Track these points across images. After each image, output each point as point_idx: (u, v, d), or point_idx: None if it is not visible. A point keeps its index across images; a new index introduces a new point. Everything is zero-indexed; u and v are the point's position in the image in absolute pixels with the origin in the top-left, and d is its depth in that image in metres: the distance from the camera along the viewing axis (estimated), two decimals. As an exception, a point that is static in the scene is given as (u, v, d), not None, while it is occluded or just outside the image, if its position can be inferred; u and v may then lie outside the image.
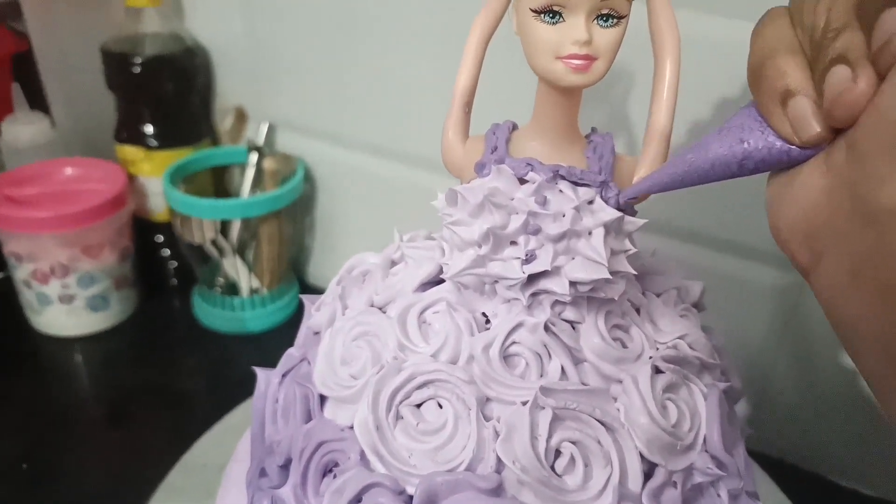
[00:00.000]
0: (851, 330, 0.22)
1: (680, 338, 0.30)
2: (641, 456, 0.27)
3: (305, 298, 0.36)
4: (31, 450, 0.52)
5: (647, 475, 0.27)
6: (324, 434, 0.29)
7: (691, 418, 0.29)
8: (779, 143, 0.22)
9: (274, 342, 0.64)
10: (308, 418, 0.30)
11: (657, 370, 0.29)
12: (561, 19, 0.26)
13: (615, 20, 0.26)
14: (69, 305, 0.61)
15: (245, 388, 0.52)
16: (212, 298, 0.65)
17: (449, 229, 0.29)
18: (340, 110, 0.62)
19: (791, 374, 0.53)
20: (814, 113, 0.21)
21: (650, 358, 0.29)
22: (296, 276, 0.70)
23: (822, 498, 0.52)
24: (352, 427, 0.28)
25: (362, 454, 0.27)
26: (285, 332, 0.65)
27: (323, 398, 0.30)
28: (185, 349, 0.64)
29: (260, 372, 0.34)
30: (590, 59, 0.26)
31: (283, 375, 0.33)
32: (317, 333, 0.34)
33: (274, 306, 0.65)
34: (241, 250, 0.64)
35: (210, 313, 0.65)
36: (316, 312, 0.34)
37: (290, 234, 0.65)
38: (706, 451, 0.29)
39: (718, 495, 0.29)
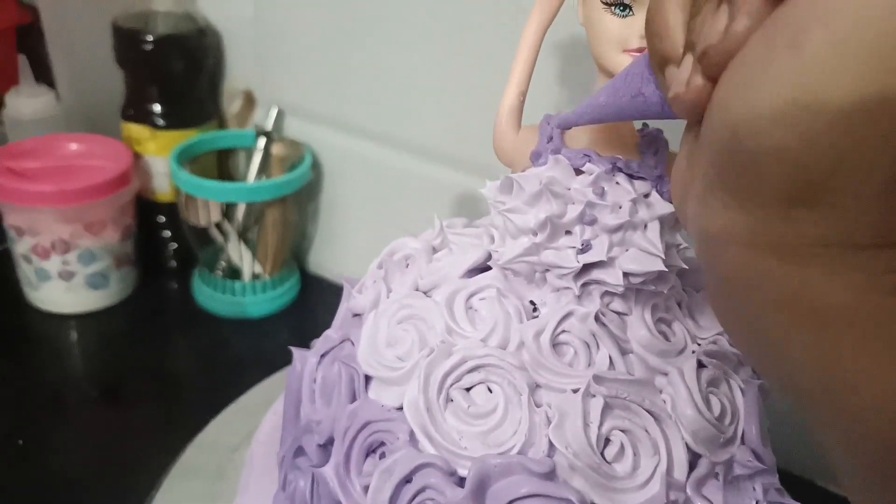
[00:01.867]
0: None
1: (719, 334, 0.31)
2: (687, 447, 0.28)
3: (345, 280, 0.36)
4: (24, 426, 0.51)
5: (692, 465, 0.28)
6: (370, 414, 0.29)
7: (731, 412, 0.29)
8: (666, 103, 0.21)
9: (272, 327, 0.64)
10: (353, 398, 0.30)
11: (700, 364, 0.30)
12: (631, 13, 0.26)
13: (684, 17, 0.26)
14: (68, 282, 0.60)
15: (242, 371, 0.52)
16: (212, 282, 0.64)
17: (503, 216, 0.29)
18: (349, 98, 0.62)
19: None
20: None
21: (693, 352, 0.30)
22: (296, 264, 0.70)
23: (812, 503, 0.53)
24: (399, 408, 0.28)
25: (411, 435, 0.27)
26: (284, 319, 0.65)
27: (367, 379, 0.30)
28: (183, 331, 0.64)
29: (296, 352, 0.34)
30: (657, 54, 0.26)
31: (322, 356, 0.33)
32: (356, 315, 0.34)
33: (274, 292, 0.65)
34: (244, 235, 0.64)
35: (210, 296, 0.64)
36: (358, 295, 0.34)
37: (295, 220, 0.65)
38: (744, 444, 0.29)
39: (754, 489, 0.29)
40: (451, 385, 0.28)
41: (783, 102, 0.14)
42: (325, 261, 0.71)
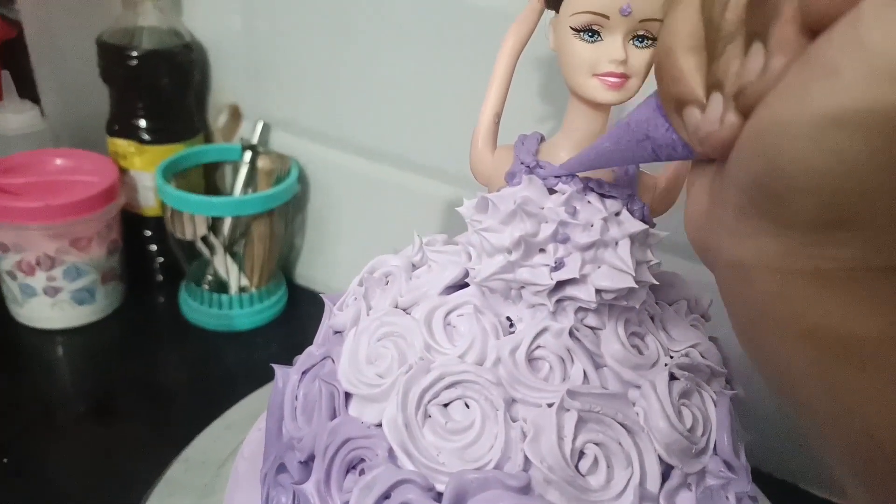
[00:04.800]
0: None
1: (692, 346, 0.32)
2: (659, 458, 0.28)
3: (326, 298, 0.36)
4: (11, 443, 0.51)
5: (664, 477, 0.28)
6: (350, 431, 0.29)
7: (704, 423, 0.30)
8: (682, 143, 0.21)
9: (260, 340, 0.65)
10: (333, 415, 0.30)
11: (672, 377, 0.30)
12: (599, 38, 0.27)
13: (650, 41, 0.27)
14: (54, 298, 0.60)
15: (230, 384, 0.53)
16: (199, 295, 0.64)
17: (479, 235, 0.30)
18: (335, 112, 0.62)
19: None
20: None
21: (665, 365, 0.30)
22: (283, 276, 0.70)
23: (794, 506, 0.54)
24: (379, 425, 0.29)
25: (390, 451, 0.28)
26: (271, 331, 0.66)
27: (348, 396, 0.31)
28: (171, 345, 0.64)
29: (278, 369, 0.34)
30: (625, 77, 0.27)
31: (303, 373, 0.33)
32: (337, 333, 0.34)
33: (262, 305, 0.65)
34: (231, 248, 0.64)
35: (197, 310, 0.64)
36: (339, 312, 0.34)
37: (282, 233, 0.65)
38: (717, 455, 0.30)
39: (727, 497, 0.30)
40: (429, 401, 0.29)
41: (822, 125, 0.15)
42: (312, 273, 0.71)
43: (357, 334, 0.32)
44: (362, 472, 0.29)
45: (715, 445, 0.30)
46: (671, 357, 0.31)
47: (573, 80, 0.28)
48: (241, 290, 0.65)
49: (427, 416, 0.29)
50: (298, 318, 0.67)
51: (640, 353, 0.31)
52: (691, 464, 0.29)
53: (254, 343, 0.64)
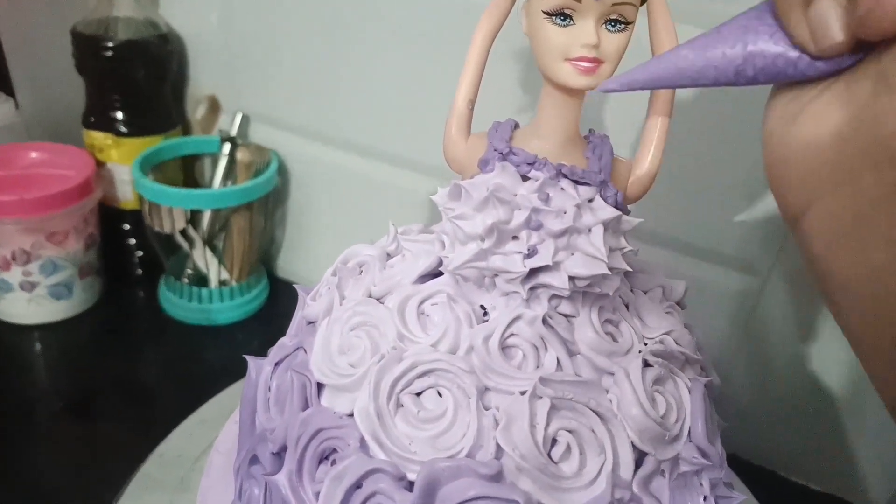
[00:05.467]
0: (841, 286, 0.20)
1: (666, 333, 0.32)
2: (633, 445, 0.28)
3: (300, 289, 0.36)
4: (-13, 440, 0.50)
5: (638, 464, 0.28)
6: (322, 421, 0.29)
7: (677, 410, 0.30)
8: (789, 51, 0.20)
9: (241, 334, 0.64)
10: (305, 406, 0.30)
11: (646, 364, 0.30)
12: (571, 22, 0.27)
13: (622, 25, 0.27)
14: (30, 293, 0.60)
15: (211, 379, 0.52)
16: (179, 289, 0.64)
17: (451, 223, 0.29)
18: (314, 104, 0.62)
19: (748, 375, 0.55)
20: (840, 18, 0.19)
21: (640, 352, 0.30)
22: (264, 269, 0.70)
23: (773, 493, 0.54)
24: (351, 415, 0.29)
25: (362, 441, 0.28)
26: (252, 325, 0.65)
27: (320, 386, 0.30)
28: (150, 340, 0.63)
29: (251, 360, 0.34)
30: (597, 62, 0.27)
31: (276, 364, 0.33)
32: (311, 323, 0.34)
33: (242, 299, 0.65)
34: (210, 241, 0.64)
35: (177, 304, 0.64)
36: (312, 302, 0.34)
37: (262, 226, 0.65)
38: (691, 441, 0.30)
39: (701, 484, 0.30)
40: (402, 390, 0.28)
41: None
42: (293, 266, 0.71)
43: (330, 324, 0.32)
44: (334, 463, 0.29)
45: (689, 432, 0.30)
46: (645, 344, 0.31)
47: (545, 64, 0.28)
48: (222, 283, 0.64)
49: (399, 405, 0.28)
50: (280, 311, 0.67)
51: (614, 340, 0.30)
52: (665, 450, 0.29)
53: (234, 337, 0.63)
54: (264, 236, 0.66)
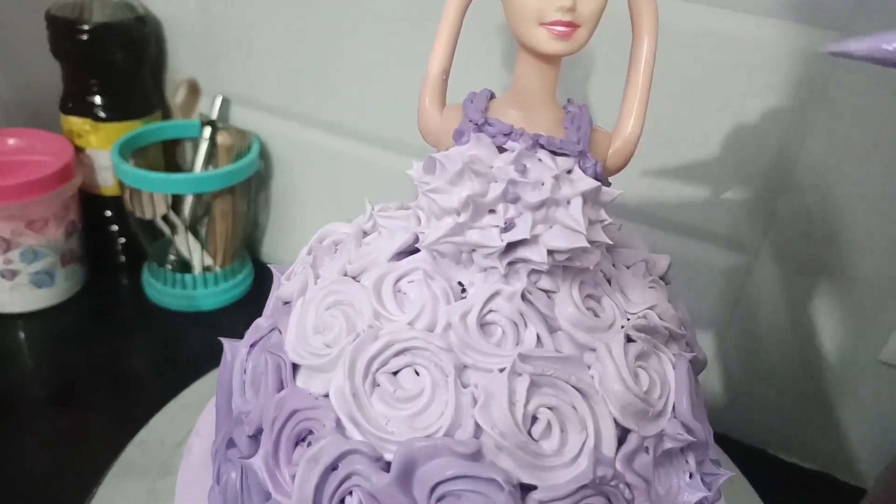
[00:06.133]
0: None
1: (650, 308, 0.31)
2: (615, 422, 0.28)
3: (275, 268, 0.35)
4: (-30, 432, 0.50)
5: (621, 441, 0.28)
6: (297, 402, 0.28)
7: (661, 386, 0.29)
8: None
9: (226, 320, 0.63)
10: (280, 387, 0.29)
11: (629, 339, 0.29)
12: (545, -15, 0.26)
13: (598, -11, 0.26)
14: (12, 281, 0.59)
15: (196, 366, 0.51)
16: (163, 276, 0.63)
17: (427, 197, 0.29)
18: (294, 86, 0.61)
19: (738, 353, 0.54)
20: None
21: (622, 327, 0.30)
22: (249, 255, 0.69)
23: (764, 471, 0.54)
24: (326, 395, 0.28)
25: (338, 422, 0.27)
26: (238, 311, 0.64)
27: (295, 367, 0.30)
28: (134, 327, 0.63)
29: (226, 342, 0.33)
30: (573, 26, 0.26)
31: (252, 346, 0.32)
32: (286, 303, 0.33)
33: (227, 284, 0.64)
34: (193, 227, 0.63)
35: (161, 291, 0.63)
36: (286, 282, 0.33)
37: (245, 210, 0.64)
38: (675, 418, 0.29)
39: (686, 461, 0.29)
40: (378, 370, 0.28)
41: None
42: (278, 250, 0.70)
43: (304, 304, 0.31)
44: (310, 445, 0.28)
45: (674, 408, 0.29)
46: (628, 319, 0.30)
47: (519, 30, 0.27)
48: (206, 269, 0.64)
49: (375, 384, 0.28)
50: (265, 296, 0.65)
51: (596, 315, 0.30)
52: (648, 427, 0.28)
53: (219, 323, 0.63)
54: (247, 221, 0.65)
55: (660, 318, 0.31)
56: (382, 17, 0.54)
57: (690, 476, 0.30)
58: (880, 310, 0.48)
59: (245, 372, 0.32)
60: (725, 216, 0.50)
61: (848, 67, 0.42)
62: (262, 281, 0.67)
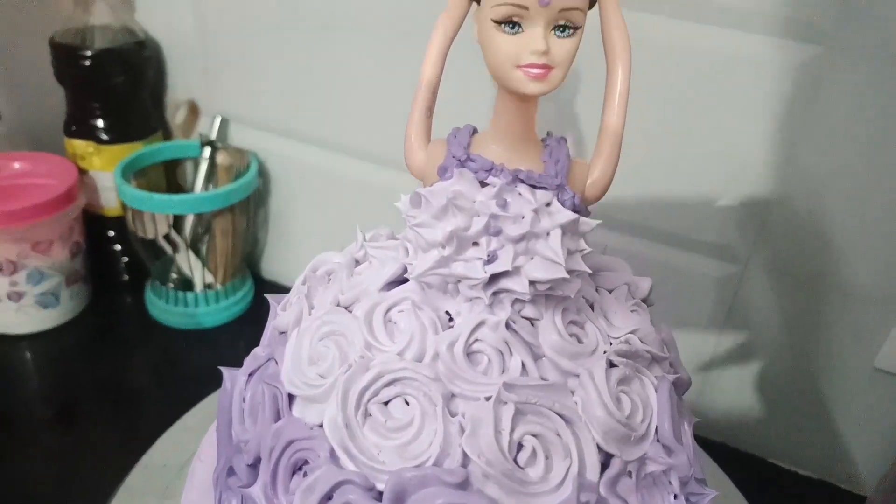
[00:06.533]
0: None
1: (632, 332, 0.32)
2: (598, 447, 0.28)
3: (271, 298, 0.36)
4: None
5: (604, 465, 0.29)
6: (293, 433, 0.29)
7: (643, 410, 0.30)
8: None
9: (228, 337, 0.64)
10: (277, 417, 0.30)
11: (611, 364, 0.30)
12: (520, 30, 0.27)
13: (571, 31, 0.27)
14: (18, 303, 0.60)
15: (199, 384, 0.52)
16: (165, 294, 0.64)
17: (413, 231, 0.30)
18: (293, 105, 0.62)
19: (732, 362, 0.55)
20: None
21: (604, 353, 0.31)
22: (249, 271, 0.70)
23: (762, 479, 0.55)
24: (321, 425, 0.29)
25: (332, 452, 0.28)
26: (239, 328, 0.66)
27: (291, 397, 0.31)
28: (138, 345, 0.64)
29: (225, 371, 0.34)
30: (547, 68, 0.27)
31: (250, 375, 0.33)
32: (283, 333, 0.34)
33: (228, 301, 0.65)
34: (194, 245, 0.64)
35: (163, 309, 0.64)
36: (282, 312, 0.34)
37: (245, 228, 0.65)
38: (658, 440, 0.30)
39: (670, 482, 0.30)
40: (369, 400, 0.29)
41: None
42: (278, 266, 0.71)
43: (299, 334, 0.32)
44: (306, 475, 0.29)
45: (656, 431, 0.30)
46: (611, 344, 0.31)
47: (497, 72, 0.28)
48: (207, 287, 0.65)
49: (367, 414, 0.29)
50: (266, 313, 0.67)
51: (580, 341, 0.31)
52: (631, 451, 0.29)
53: (221, 340, 0.64)
54: (247, 238, 0.66)
55: (642, 342, 0.32)
56: (379, 36, 0.55)
57: (675, 497, 0.30)
58: (874, 317, 0.49)
59: (244, 401, 0.33)
60: (717, 226, 0.50)
61: (835, 79, 0.43)
62: (264, 297, 0.68)
